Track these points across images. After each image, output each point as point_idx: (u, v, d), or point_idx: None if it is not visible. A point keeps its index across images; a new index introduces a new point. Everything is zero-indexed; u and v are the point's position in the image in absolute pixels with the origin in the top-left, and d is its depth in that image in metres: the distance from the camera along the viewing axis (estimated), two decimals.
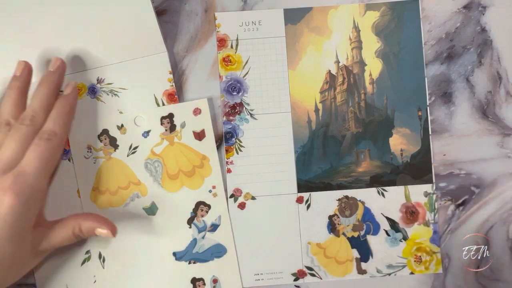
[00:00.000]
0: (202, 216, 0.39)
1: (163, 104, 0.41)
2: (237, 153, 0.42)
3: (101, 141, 0.39)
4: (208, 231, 0.39)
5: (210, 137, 0.40)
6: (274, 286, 0.42)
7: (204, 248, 0.39)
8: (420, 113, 0.43)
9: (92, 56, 0.40)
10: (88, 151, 0.39)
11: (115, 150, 0.39)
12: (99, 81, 0.41)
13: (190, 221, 0.39)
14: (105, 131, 0.39)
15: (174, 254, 0.39)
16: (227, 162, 0.42)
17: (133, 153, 0.39)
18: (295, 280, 0.42)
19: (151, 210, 0.39)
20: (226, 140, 0.42)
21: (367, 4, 0.43)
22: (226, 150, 0.42)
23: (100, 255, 0.39)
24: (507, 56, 0.43)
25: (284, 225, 0.42)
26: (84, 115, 0.40)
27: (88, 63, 0.40)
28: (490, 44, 0.43)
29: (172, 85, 0.41)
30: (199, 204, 0.39)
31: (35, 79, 0.39)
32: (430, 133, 0.42)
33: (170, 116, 0.39)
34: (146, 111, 0.39)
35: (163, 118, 0.39)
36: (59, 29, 0.39)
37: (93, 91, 0.41)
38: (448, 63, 0.43)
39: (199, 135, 0.39)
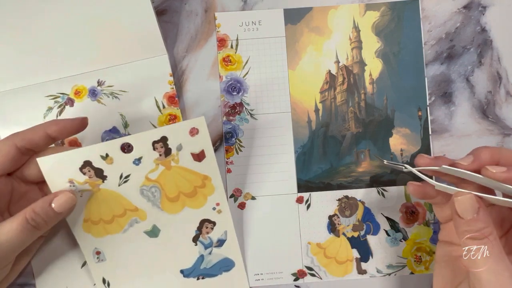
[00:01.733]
0: (208, 233, 0.38)
1: (164, 107, 0.41)
2: (237, 153, 0.42)
3: (84, 173, 0.34)
4: (215, 246, 0.38)
5: (210, 157, 0.36)
6: (274, 286, 0.42)
7: (212, 263, 0.38)
8: (420, 113, 0.43)
9: (92, 58, 0.40)
10: (71, 185, 0.34)
11: (103, 181, 0.35)
12: (100, 83, 0.41)
13: (195, 239, 0.38)
14: (88, 163, 0.34)
15: (182, 271, 0.38)
16: (227, 162, 0.42)
17: (125, 182, 0.35)
18: (295, 280, 0.42)
19: (153, 232, 0.37)
20: (226, 140, 0.42)
21: (367, 4, 0.43)
22: (226, 150, 0.42)
23: (104, 280, 0.38)
24: (507, 56, 0.43)
25: (284, 225, 0.42)
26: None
27: (88, 66, 0.40)
28: (490, 44, 0.43)
29: (173, 88, 0.41)
30: (203, 221, 0.38)
31: (34, 81, 0.39)
32: (430, 133, 0.42)
33: (163, 139, 0.35)
34: (133, 137, 0.34)
35: (155, 142, 0.34)
36: (59, 31, 0.39)
37: (93, 93, 0.41)
38: (448, 63, 0.43)
39: (199, 157, 0.36)
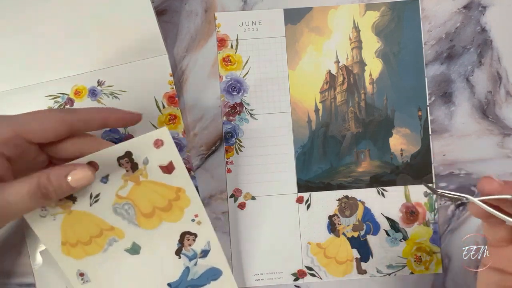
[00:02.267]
0: (190, 245, 0.37)
1: (164, 107, 0.41)
2: (237, 153, 0.42)
3: None
4: (199, 257, 0.37)
5: (180, 168, 0.34)
6: (274, 286, 0.42)
7: (199, 274, 0.38)
8: (420, 113, 0.43)
9: (92, 58, 0.40)
10: (42, 209, 0.33)
11: (74, 203, 0.34)
12: (100, 83, 0.41)
13: (178, 252, 0.37)
14: None
15: (169, 285, 0.37)
16: (227, 162, 0.42)
17: (96, 201, 0.34)
18: (295, 280, 0.42)
19: (134, 250, 0.36)
20: (226, 140, 0.42)
21: (367, 4, 0.43)
22: (226, 150, 0.42)
23: None
24: (507, 56, 0.43)
25: (284, 225, 0.42)
26: None
27: (89, 65, 0.40)
28: (490, 44, 0.43)
29: (173, 88, 0.41)
30: (184, 234, 0.37)
31: (34, 81, 0.39)
32: (430, 133, 0.42)
33: (128, 154, 0.33)
34: (96, 155, 0.32)
35: (120, 158, 0.33)
36: (59, 31, 0.39)
37: (93, 93, 0.41)
38: (448, 63, 0.43)
39: (168, 169, 0.34)
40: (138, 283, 0.37)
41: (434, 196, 0.42)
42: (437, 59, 0.43)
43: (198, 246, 0.37)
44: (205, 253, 0.37)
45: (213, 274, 0.38)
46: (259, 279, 0.41)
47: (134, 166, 0.34)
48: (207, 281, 0.38)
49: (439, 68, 0.43)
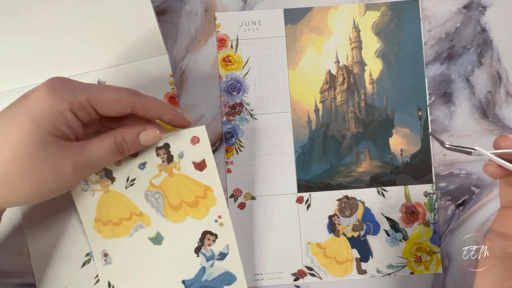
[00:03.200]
0: (209, 245, 0.38)
1: None
2: (237, 153, 0.42)
3: (96, 173, 0.36)
4: (217, 259, 0.38)
5: (211, 167, 0.37)
6: (274, 286, 0.42)
7: (213, 276, 0.38)
8: (420, 113, 0.43)
9: (93, 58, 0.40)
10: (85, 184, 0.36)
11: (112, 183, 0.37)
12: (100, 83, 0.41)
13: (197, 250, 0.38)
14: None
15: (184, 282, 0.38)
16: (227, 162, 0.42)
17: (131, 185, 0.37)
18: (295, 280, 0.42)
19: (157, 240, 0.37)
20: (226, 140, 0.42)
21: (367, 4, 0.43)
22: (226, 150, 0.42)
23: (109, 284, 0.38)
24: (507, 56, 0.43)
25: (284, 225, 0.42)
26: None
27: (89, 65, 0.40)
28: (490, 44, 0.43)
29: (173, 88, 0.41)
30: (205, 233, 0.38)
31: (34, 81, 0.39)
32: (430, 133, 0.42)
33: (166, 146, 0.36)
34: None
35: (158, 148, 0.36)
36: (59, 31, 0.39)
37: None
38: (448, 63, 0.43)
39: (200, 166, 0.37)
40: (155, 273, 0.38)
41: (434, 196, 0.42)
42: (437, 59, 0.43)
43: (217, 247, 0.38)
44: (223, 256, 0.38)
45: (227, 278, 0.38)
46: (259, 279, 0.41)
47: (169, 158, 0.36)
48: (220, 284, 0.38)
49: (439, 68, 0.43)
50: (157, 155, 0.36)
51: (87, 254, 0.40)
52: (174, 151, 0.36)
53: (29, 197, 0.30)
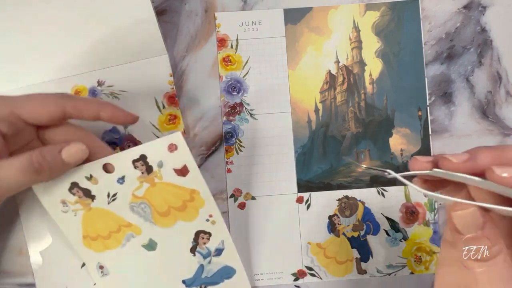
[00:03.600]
0: (204, 243, 0.38)
1: (164, 107, 0.41)
2: (237, 153, 0.42)
3: (74, 194, 0.35)
4: (213, 256, 0.38)
5: (194, 171, 0.35)
6: (274, 286, 0.42)
7: (212, 272, 0.38)
8: (420, 113, 0.43)
9: (92, 58, 0.40)
10: (64, 205, 0.35)
11: (93, 201, 0.35)
12: (100, 83, 0.41)
13: (193, 250, 0.38)
14: (75, 184, 0.34)
15: (184, 281, 0.38)
16: (227, 162, 0.42)
17: (113, 200, 0.36)
18: (295, 280, 0.42)
19: (151, 246, 0.37)
20: (226, 140, 0.42)
21: (367, 4, 0.43)
22: (226, 150, 0.42)
23: None
24: (507, 56, 0.43)
25: (284, 225, 0.42)
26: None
27: (89, 65, 0.40)
28: (490, 44, 0.43)
29: (173, 88, 0.41)
30: (198, 233, 0.37)
31: (34, 81, 0.39)
32: (430, 133, 0.42)
33: (143, 157, 0.34)
34: (113, 157, 0.34)
35: (135, 161, 0.34)
36: (59, 31, 0.39)
37: (93, 93, 0.41)
38: (448, 63, 0.43)
39: (182, 172, 0.35)
40: (154, 278, 0.38)
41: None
42: (437, 59, 0.43)
43: (212, 244, 0.38)
44: (219, 251, 0.38)
45: (227, 272, 0.38)
46: (259, 279, 0.41)
47: (149, 169, 0.35)
48: (220, 279, 0.38)
49: (439, 68, 0.43)
50: (135, 167, 0.35)
51: None
52: (152, 161, 0.34)
53: None
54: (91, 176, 0.34)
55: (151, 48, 0.40)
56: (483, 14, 0.43)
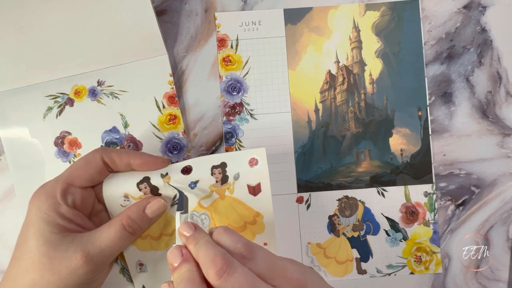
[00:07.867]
0: None
1: (164, 107, 0.41)
2: None
3: (140, 189, 0.34)
4: None
5: (266, 192, 0.34)
6: None
7: None
8: (420, 113, 0.43)
9: (92, 58, 0.40)
10: (125, 200, 0.34)
11: None
12: (100, 83, 0.41)
13: None
14: (147, 179, 0.34)
15: None
16: None
17: (176, 203, 0.35)
18: None
19: None
20: (226, 140, 0.42)
21: (367, 4, 0.43)
22: (226, 150, 0.42)
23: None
24: (507, 56, 0.43)
25: (284, 225, 0.42)
26: (85, 117, 0.40)
27: (88, 65, 0.40)
28: (490, 44, 0.43)
29: (173, 88, 0.41)
30: None
31: (34, 81, 0.39)
32: (430, 133, 0.42)
33: (223, 165, 0.34)
34: (194, 161, 0.34)
35: (214, 167, 0.34)
36: (59, 31, 0.39)
37: (93, 93, 0.41)
38: (448, 63, 0.43)
39: (254, 190, 0.34)
40: None
41: (434, 196, 0.42)
42: (437, 59, 0.43)
43: None
44: None
45: None
46: None
47: (224, 178, 0.34)
48: None
49: (439, 68, 0.43)
50: (212, 174, 0.34)
51: None
52: (230, 171, 0.34)
53: None
54: (166, 173, 0.34)
55: (151, 48, 0.40)
56: (483, 14, 0.43)
